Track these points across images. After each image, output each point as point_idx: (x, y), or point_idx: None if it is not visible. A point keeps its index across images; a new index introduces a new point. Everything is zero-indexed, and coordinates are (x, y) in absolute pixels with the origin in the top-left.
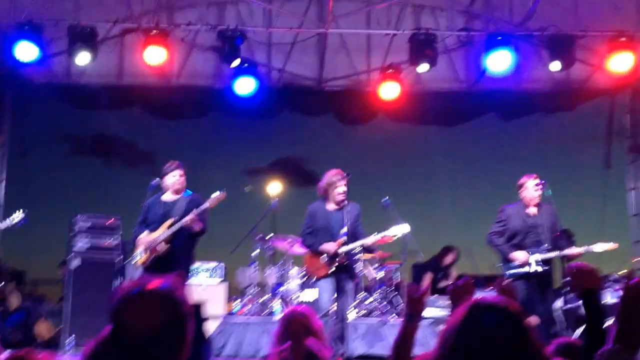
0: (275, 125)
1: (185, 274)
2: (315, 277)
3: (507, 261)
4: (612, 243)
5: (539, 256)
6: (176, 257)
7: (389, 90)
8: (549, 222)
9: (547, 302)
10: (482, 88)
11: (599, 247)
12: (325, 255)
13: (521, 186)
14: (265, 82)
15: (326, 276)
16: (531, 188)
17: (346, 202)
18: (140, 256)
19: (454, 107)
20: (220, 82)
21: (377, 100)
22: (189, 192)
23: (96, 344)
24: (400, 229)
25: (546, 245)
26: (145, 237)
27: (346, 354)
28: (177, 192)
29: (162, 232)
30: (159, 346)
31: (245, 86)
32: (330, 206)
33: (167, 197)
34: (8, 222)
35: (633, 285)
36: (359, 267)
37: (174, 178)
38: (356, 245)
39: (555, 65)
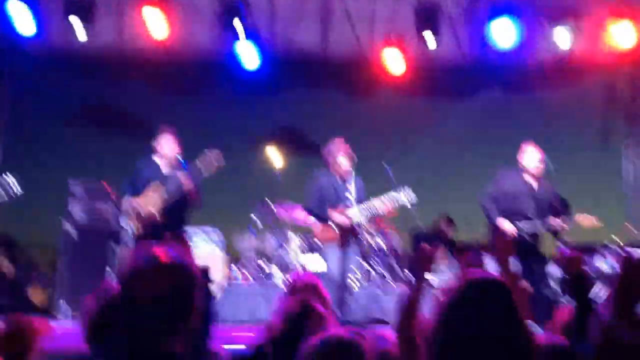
0: (277, 96)
1: (182, 239)
2: (324, 244)
3: (494, 228)
4: (593, 219)
5: (525, 226)
6: (169, 224)
7: (393, 62)
8: (545, 197)
9: (538, 270)
10: (486, 62)
11: (581, 221)
12: (336, 225)
13: (521, 151)
14: (267, 53)
15: (334, 243)
16: (530, 154)
17: (352, 173)
18: (127, 222)
19: (458, 80)
20: (222, 53)
21: (380, 72)
22: (183, 161)
23: (101, 306)
24: (407, 197)
25: (535, 216)
26: (137, 202)
27: (345, 318)
28: (168, 157)
29: (154, 198)
30: (168, 315)
31: (247, 56)
32: (338, 178)
33: (161, 162)
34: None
35: (636, 262)
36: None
37: (165, 144)
38: (368, 214)
39: (560, 36)
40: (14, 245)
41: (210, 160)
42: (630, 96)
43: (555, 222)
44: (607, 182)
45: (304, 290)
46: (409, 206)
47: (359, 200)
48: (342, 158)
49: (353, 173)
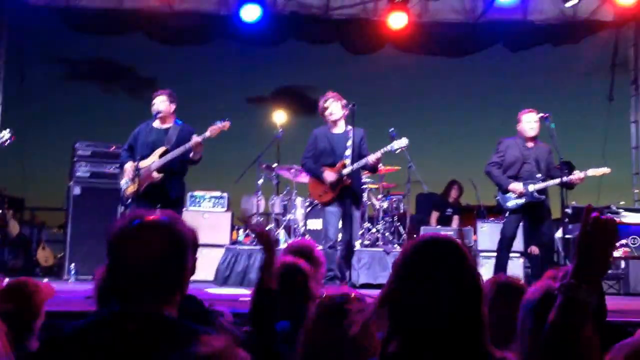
0: (280, 53)
1: (179, 201)
2: (320, 204)
3: (504, 192)
4: (604, 168)
5: (536, 186)
6: (170, 185)
7: (397, 20)
8: (542, 157)
9: (548, 231)
10: (490, 19)
11: (592, 172)
12: (329, 182)
13: (518, 121)
14: (271, 10)
15: (332, 202)
16: (525, 121)
17: (347, 126)
18: (127, 185)
19: (461, 37)
20: (225, 9)
21: (384, 30)
22: (179, 121)
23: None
24: (399, 143)
25: (540, 175)
26: (134, 165)
27: (351, 280)
28: (163, 119)
29: (154, 160)
30: (159, 278)
31: (250, 13)
32: (334, 129)
33: (158, 124)
34: None
35: (594, 219)
36: (364, 196)
37: (162, 104)
38: (360, 164)
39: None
40: (22, 206)
41: (219, 128)
42: (633, 54)
43: (570, 177)
44: (614, 138)
45: (296, 253)
46: (400, 150)
47: (359, 151)
48: (327, 111)
49: (350, 127)
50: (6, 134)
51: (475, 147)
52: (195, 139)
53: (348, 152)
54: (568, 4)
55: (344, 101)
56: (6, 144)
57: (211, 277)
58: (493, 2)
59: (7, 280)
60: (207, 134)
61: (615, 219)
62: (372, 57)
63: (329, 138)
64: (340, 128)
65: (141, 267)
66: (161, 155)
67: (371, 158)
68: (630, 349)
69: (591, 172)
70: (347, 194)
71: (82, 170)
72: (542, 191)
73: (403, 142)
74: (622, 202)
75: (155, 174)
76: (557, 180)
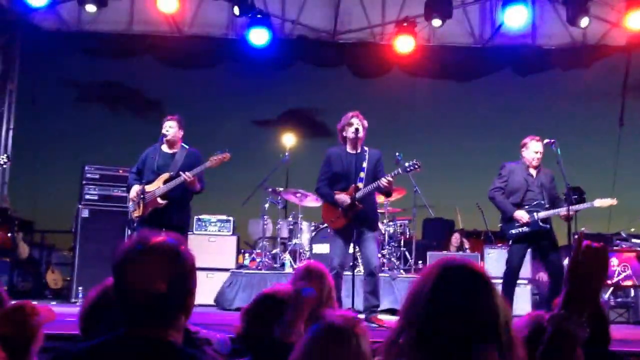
0: (287, 77)
1: (183, 227)
2: (331, 230)
3: (508, 220)
4: (610, 199)
5: (542, 214)
6: (173, 211)
7: (404, 44)
8: (546, 184)
9: (557, 260)
10: (497, 43)
11: (598, 203)
12: (340, 206)
13: (523, 145)
14: (278, 34)
15: (343, 229)
16: (531, 149)
17: (365, 147)
18: (133, 208)
19: (469, 62)
20: (233, 33)
21: (391, 54)
22: (186, 146)
23: (97, 296)
24: (410, 162)
25: (545, 203)
26: (140, 190)
27: (354, 307)
28: (171, 144)
29: (158, 186)
30: (164, 302)
31: (258, 37)
32: (349, 149)
33: (166, 148)
34: None
35: (585, 248)
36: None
37: (170, 129)
38: (372, 187)
39: (583, 22)
40: (31, 228)
41: (219, 159)
42: None
43: (574, 208)
44: (626, 163)
45: (304, 279)
46: (412, 169)
47: (375, 174)
48: (350, 128)
49: (369, 150)
50: (3, 158)
51: (483, 172)
52: (185, 175)
53: (362, 174)
54: (581, 24)
55: (361, 120)
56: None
57: None
58: (500, 26)
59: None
60: (208, 164)
61: (615, 246)
62: (379, 80)
63: (344, 158)
64: (357, 148)
65: (146, 291)
66: (165, 181)
67: (383, 181)
68: None
69: (597, 203)
70: (360, 220)
71: (91, 193)
72: (546, 220)
73: (416, 164)
74: (632, 230)
75: (159, 200)
76: (563, 210)
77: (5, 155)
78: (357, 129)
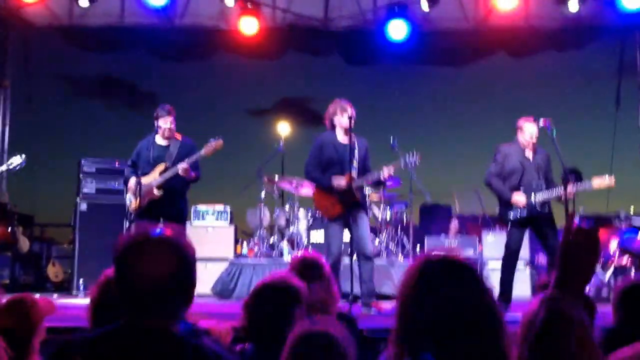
0: (280, 66)
1: (181, 217)
2: (326, 218)
3: (506, 204)
4: (607, 179)
5: (539, 196)
6: (170, 202)
7: (396, 30)
8: (543, 165)
9: (555, 243)
10: (491, 26)
11: (596, 183)
12: (336, 190)
13: (518, 128)
14: (269, 23)
15: (338, 217)
16: (527, 132)
17: (354, 136)
18: (131, 200)
19: (462, 45)
20: (225, 23)
21: (383, 40)
22: (181, 136)
23: (102, 288)
24: (411, 158)
25: (542, 185)
26: (136, 182)
27: (353, 293)
28: (164, 136)
29: (155, 177)
30: (166, 293)
31: (249, 26)
32: (340, 137)
33: (160, 140)
34: (5, 167)
35: (577, 228)
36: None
37: (164, 125)
38: (373, 178)
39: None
40: (31, 223)
41: (213, 146)
42: (639, 59)
43: (571, 189)
44: (622, 144)
45: (299, 269)
46: (412, 164)
47: (363, 165)
48: (342, 116)
49: (358, 139)
50: (19, 159)
51: (479, 156)
52: (181, 165)
53: (355, 162)
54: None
55: (350, 108)
56: (17, 169)
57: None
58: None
59: (6, 296)
60: (202, 152)
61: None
62: (371, 67)
63: (336, 146)
64: (346, 137)
65: (148, 282)
66: (161, 172)
67: (385, 172)
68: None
69: (595, 183)
70: (354, 208)
71: (88, 187)
72: (545, 203)
73: (413, 155)
74: (632, 207)
75: (155, 191)
76: (560, 191)
77: (23, 156)
78: (351, 117)
